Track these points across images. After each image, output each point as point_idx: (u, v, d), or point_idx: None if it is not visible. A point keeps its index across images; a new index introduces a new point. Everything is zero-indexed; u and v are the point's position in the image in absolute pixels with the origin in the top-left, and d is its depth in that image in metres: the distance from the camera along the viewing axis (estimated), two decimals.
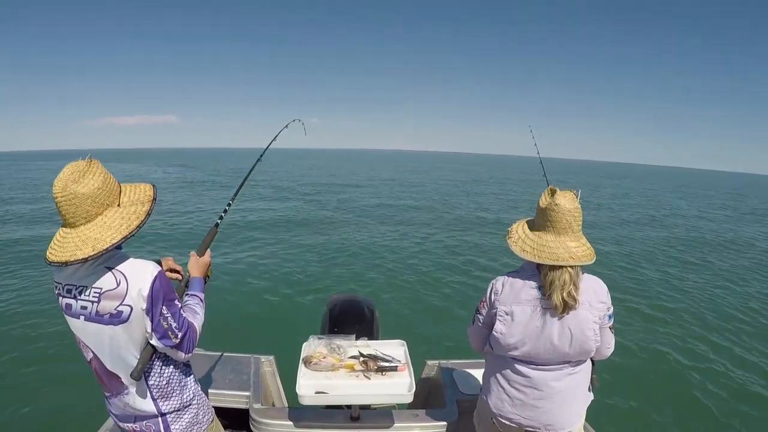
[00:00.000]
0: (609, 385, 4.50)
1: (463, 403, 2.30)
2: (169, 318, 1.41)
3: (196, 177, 29.61)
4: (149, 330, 1.40)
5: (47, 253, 1.37)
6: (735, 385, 5.03)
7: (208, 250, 1.80)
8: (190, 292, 1.65)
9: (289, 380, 2.43)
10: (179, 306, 1.47)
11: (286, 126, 2.82)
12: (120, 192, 1.42)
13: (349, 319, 2.65)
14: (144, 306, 1.37)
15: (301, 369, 2.13)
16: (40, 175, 31.08)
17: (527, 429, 1.77)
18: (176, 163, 47.12)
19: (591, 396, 1.83)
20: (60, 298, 1.45)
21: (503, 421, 1.79)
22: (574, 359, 1.70)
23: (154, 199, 1.45)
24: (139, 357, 1.43)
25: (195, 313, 1.56)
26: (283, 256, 9.18)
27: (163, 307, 1.40)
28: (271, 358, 2.72)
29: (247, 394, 2.34)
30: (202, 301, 1.63)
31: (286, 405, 2.70)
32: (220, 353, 2.68)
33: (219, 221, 1.98)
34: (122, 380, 1.47)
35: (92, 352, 1.45)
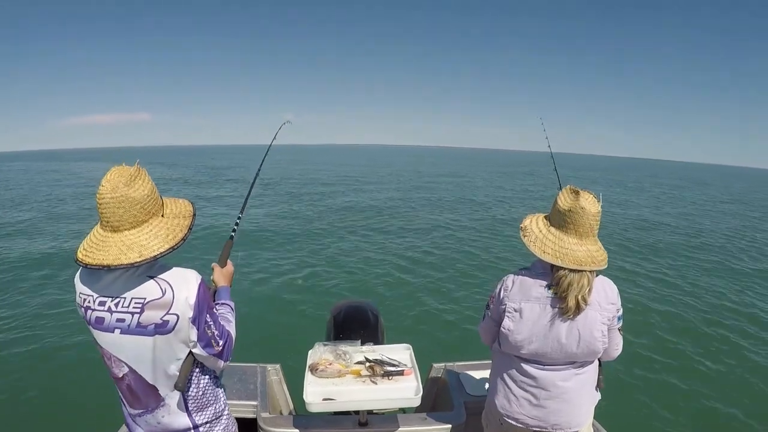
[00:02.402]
0: (617, 383, 4.50)
1: (470, 405, 2.29)
2: (212, 326, 1.41)
3: (173, 175, 29.55)
4: (194, 339, 1.38)
5: (80, 255, 1.32)
6: (743, 380, 5.02)
7: (229, 260, 1.82)
8: (220, 301, 1.64)
9: (296, 388, 2.43)
10: (217, 314, 1.49)
11: (280, 128, 2.97)
12: (162, 204, 1.42)
13: (354, 324, 2.65)
14: (190, 315, 1.35)
15: (308, 376, 2.14)
16: (12, 176, 31.12)
17: (534, 429, 1.76)
18: (153, 162, 46.75)
19: (598, 395, 1.82)
20: (88, 311, 1.38)
21: (510, 421, 1.78)
22: (580, 359, 1.70)
23: (194, 214, 1.45)
24: (180, 367, 1.41)
25: (228, 321, 1.55)
26: (286, 264, 9.17)
27: (207, 315, 1.40)
28: (278, 366, 2.72)
29: (254, 403, 2.34)
30: (232, 309, 1.62)
31: (294, 413, 2.70)
32: (225, 363, 2.68)
33: (233, 234, 2.01)
34: (160, 393, 1.43)
35: (127, 366, 1.40)
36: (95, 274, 1.38)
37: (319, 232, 12.53)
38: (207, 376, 1.52)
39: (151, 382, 1.41)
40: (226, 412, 1.61)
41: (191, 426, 1.50)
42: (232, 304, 1.64)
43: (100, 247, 1.31)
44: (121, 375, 1.42)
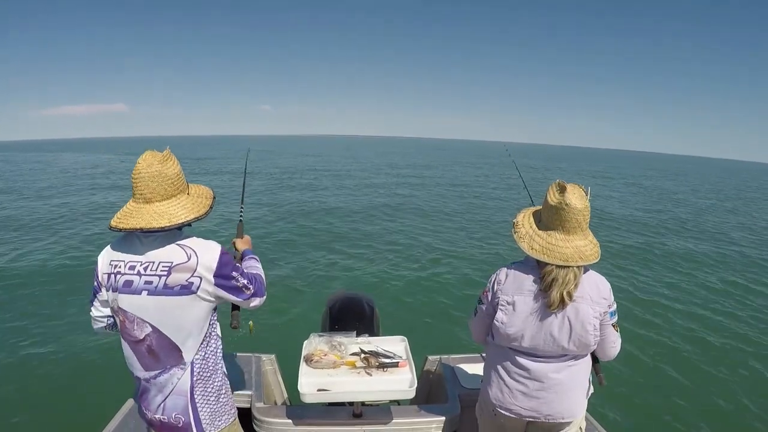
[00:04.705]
0: (611, 378, 4.51)
1: (465, 398, 2.31)
2: (239, 278, 1.58)
3: None
4: (221, 296, 1.56)
5: (114, 222, 1.48)
6: (737, 373, 5.06)
7: (245, 234, 2.09)
8: (247, 257, 1.88)
9: (290, 378, 2.43)
10: (242, 268, 1.67)
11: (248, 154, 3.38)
12: (188, 185, 1.61)
13: (350, 316, 2.65)
14: (213, 277, 1.51)
15: (303, 367, 2.14)
16: None
17: (528, 420, 1.78)
18: (133, 153, 46.59)
19: (592, 388, 1.84)
20: (117, 276, 1.51)
21: (503, 412, 1.80)
22: (573, 353, 1.71)
23: (214, 198, 1.65)
24: (203, 327, 1.56)
25: (255, 267, 1.79)
26: (282, 254, 9.17)
27: (233, 273, 1.56)
28: (273, 356, 2.73)
29: (249, 393, 2.34)
30: (256, 260, 1.86)
31: (289, 403, 2.71)
32: None
33: (241, 218, 2.32)
34: (180, 350, 1.54)
35: (151, 326, 1.51)
36: (126, 243, 1.55)
37: (314, 224, 12.52)
38: (213, 345, 1.62)
39: (173, 340, 1.53)
40: (224, 389, 1.66)
41: (190, 395, 1.57)
42: (256, 257, 1.89)
43: (133, 215, 1.48)
44: (142, 336, 1.53)
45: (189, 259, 1.49)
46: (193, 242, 1.54)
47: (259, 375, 2.51)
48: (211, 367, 1.60)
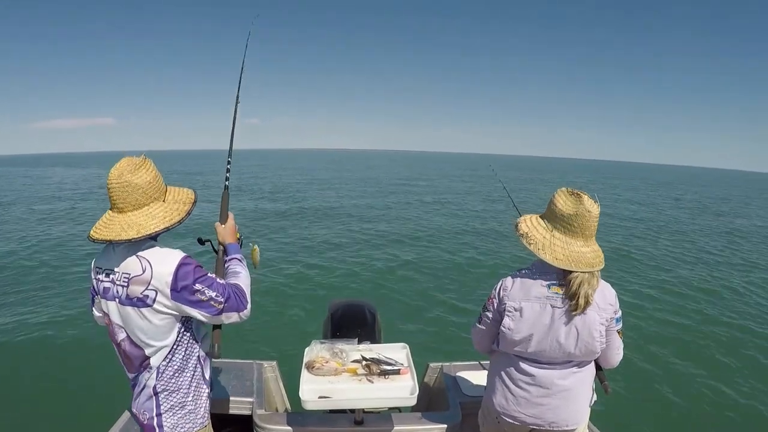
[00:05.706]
0: (615, 385, 4.49)
1: (466, 405, 2.30)
2: (206, 291, 1.50)
3: None
4: (188, 311, 1.50)
5: (91, 232, 1.50)
6: (741, 383, 5.03)
7: (230, 213, 1.87)
8: (228, 257, 1.75)
9: (292, 385, 2.43)
10: (214, 277, 1.56)
11: (248, 37, 2.54)
12: (166, 191, 1.58)
13: (351, 323, 2.64)
14: (168, 290, 1.46)
15: (304, 374, 2.13)
16: None
17: (532, 427, 1.77)
18: None
19: (595, 395, 1.83)
20: (99, 282, 1.57)
21: (507, 419, 1.79)
22: (578, 359, 1.71)
23: (195, 202, 1.60)
24: (167, 337, 1.53)
25: (236, 273, 1.66)
26: (283, 261, 9.17)
27: (196, 285, 1.48)
28: (274, 363, 2.72)
29: (250, 400, 2.34)
30: (241, 260, 1.73)
31: (290, 410, 2.70)
32: (222, 360, 2.68)
33: (227, 183, 2.03)
34: (149, 358, 1.55)
35: (125, 332, 1.55)
36: (107, 251, 1.58)
37: (316, 231, 12.53)
38: (181, 353, 1.58)
39: (140, 346, 1.55)
40: (190, 399, 1.64)
41: (155, 402, 1.59)
42: (240, 256, 1.75)
43: (107, 225, 1.50)
44: (119, 340, 1.58)
45: (144, 271, 1.47)
46: (151, 253, 1.50)
47: (261, 382, 2.51)
48: (175, 375, 1.58)
